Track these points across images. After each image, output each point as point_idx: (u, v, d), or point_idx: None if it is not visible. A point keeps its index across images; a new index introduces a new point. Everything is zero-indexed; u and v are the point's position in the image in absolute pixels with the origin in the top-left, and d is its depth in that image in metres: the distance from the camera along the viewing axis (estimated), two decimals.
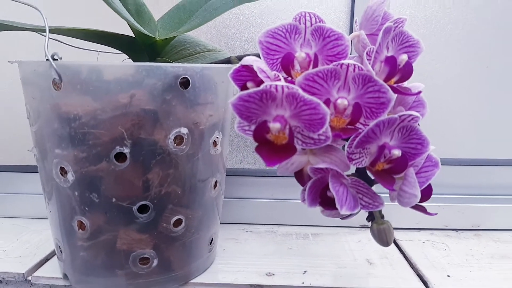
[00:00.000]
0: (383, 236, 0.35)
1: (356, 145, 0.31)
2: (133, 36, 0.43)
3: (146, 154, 0.37)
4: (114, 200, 0.38)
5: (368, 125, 0.30)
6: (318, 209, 0.37)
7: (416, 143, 0.33)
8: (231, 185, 0.61)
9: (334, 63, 0.31)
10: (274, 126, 0.30)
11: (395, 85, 0.33)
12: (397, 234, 0.59)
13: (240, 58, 0.39)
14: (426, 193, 0.33)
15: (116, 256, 0.40)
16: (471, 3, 0.58)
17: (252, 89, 0.29)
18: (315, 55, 0.33)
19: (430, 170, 0.33)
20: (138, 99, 0.35)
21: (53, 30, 0.38)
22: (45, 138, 0.38)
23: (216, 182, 0.44)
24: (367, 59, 0.32)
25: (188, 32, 0.49)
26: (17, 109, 0.61)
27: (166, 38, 0.43)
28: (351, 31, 0.58)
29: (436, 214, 0.35)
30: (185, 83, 0.37)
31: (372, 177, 0.35)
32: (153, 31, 0.44)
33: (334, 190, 0.32)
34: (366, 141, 0.31)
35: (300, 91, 0.29)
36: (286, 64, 0.34)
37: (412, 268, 0.49)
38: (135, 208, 0.38)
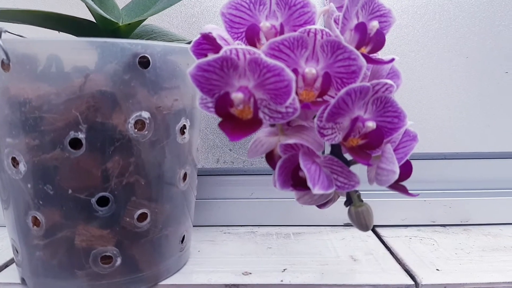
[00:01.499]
0: (361, 219, 0.32)
1: (327, 117, 0.29)
2: (95, 22, 0.41)
3: (104, 140, 0.34)
4: (70, 191, 0.35)
5: None
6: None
7: (393, 117, 0.31)
8: (208, 185, 0.58)
9: (300, 29, 0.29)
10: (237, 96, 0.27)
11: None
12: (383, 231, 0.56)
13: None
14: (405, 169, 0.31)
15: (75, 254, 0.36)
16: None
17: (211, 56, 0.27)
18: (281, 26, 0.31)
19: (408, 145, 0.31)
20: (93, 79, 0.33)
21: (4, 12, 0.36)
22: None
23: (185, 175, 0.41)
24: (336, 27, 0.30)
25: (156, 22, 0.47)
26: None
27: (129, 24, 0.41)
28: None
29: (418, 195, 0.33)
30: (145, 63, 0.34)
31: (348, 158, 0.33)
32: (116, 18, 0.42)
33: (306, 168, 0.29)
34: (337, 112, 0.29)
35: (263, 56, 0.26)
36: (251, 36, 0.31)
37: (399, 263, 0.46)
38: (93, 200, 0.35)
